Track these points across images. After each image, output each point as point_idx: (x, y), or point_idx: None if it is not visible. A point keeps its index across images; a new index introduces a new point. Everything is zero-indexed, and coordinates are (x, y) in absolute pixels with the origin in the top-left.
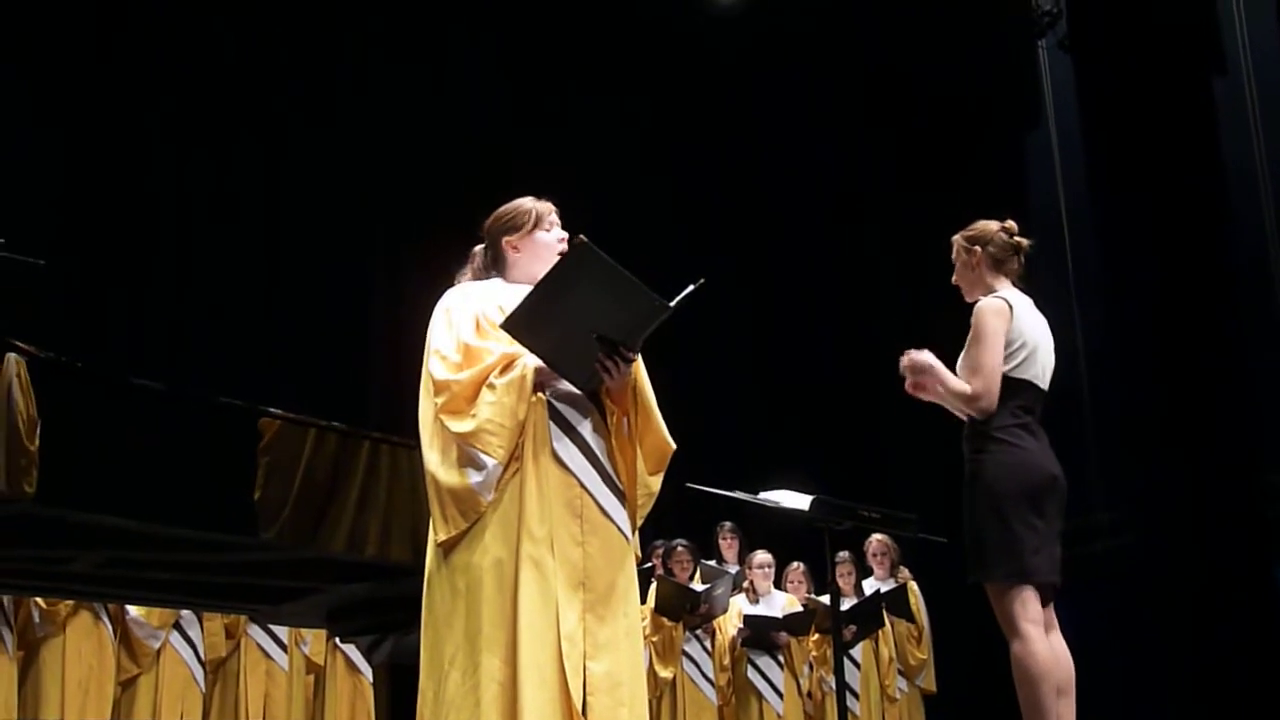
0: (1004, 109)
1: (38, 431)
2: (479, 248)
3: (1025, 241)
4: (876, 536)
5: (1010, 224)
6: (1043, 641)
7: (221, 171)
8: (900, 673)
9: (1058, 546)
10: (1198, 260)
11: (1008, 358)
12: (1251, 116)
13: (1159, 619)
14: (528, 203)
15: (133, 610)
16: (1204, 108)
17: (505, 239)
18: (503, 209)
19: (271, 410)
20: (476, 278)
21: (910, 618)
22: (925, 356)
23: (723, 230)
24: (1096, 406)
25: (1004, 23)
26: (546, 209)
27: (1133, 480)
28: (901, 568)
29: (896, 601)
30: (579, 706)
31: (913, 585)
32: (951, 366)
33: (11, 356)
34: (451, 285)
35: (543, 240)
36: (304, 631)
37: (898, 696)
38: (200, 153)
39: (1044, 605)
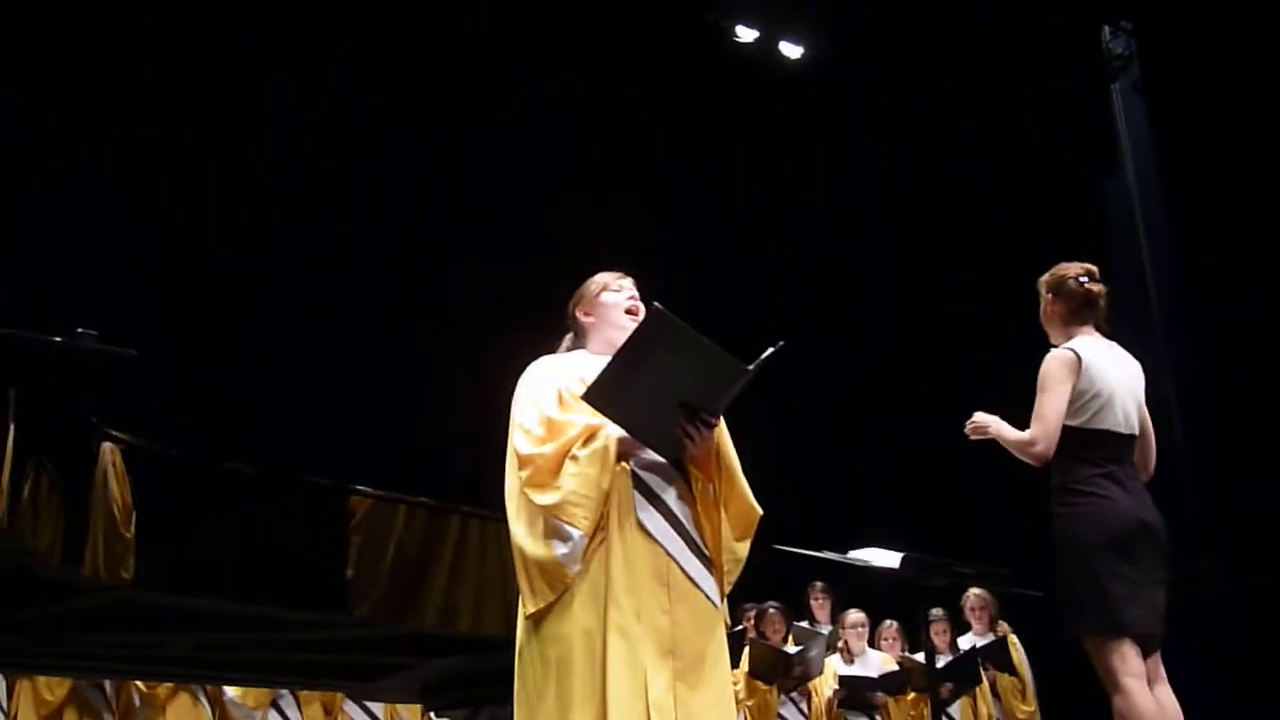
0: (1080, 156)
1: (133, 519)
2: (568, 335)
3: (1097, 289)
4: (974, 591)
5: (1088, 268)
6: (1144, 695)
7: (306, 252)
8: None
9: (1159, 595)
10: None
11: (1081, 409)
12: None
13: (1270, 667)
14: (597, 276)
15: (230, 691)
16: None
17: (577, 310)
18: (579, 288)
19: (361, 488)
20: (565, 349)
21: (1013, 671)
22: (983, 419)
23: (801, 289)
24: (1191, 452)
25: (1076, 67)
26: (613, 275)
27: (1237, 525)
28: (1001, 622)
29: (997, 655)
30: None
31: (1013, 638)
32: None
33: (107, 446)
34: (541, 355)
35: (609, 301)
36: (400, 707)
37: None
38: (285, 234)
39: (1147, 656)
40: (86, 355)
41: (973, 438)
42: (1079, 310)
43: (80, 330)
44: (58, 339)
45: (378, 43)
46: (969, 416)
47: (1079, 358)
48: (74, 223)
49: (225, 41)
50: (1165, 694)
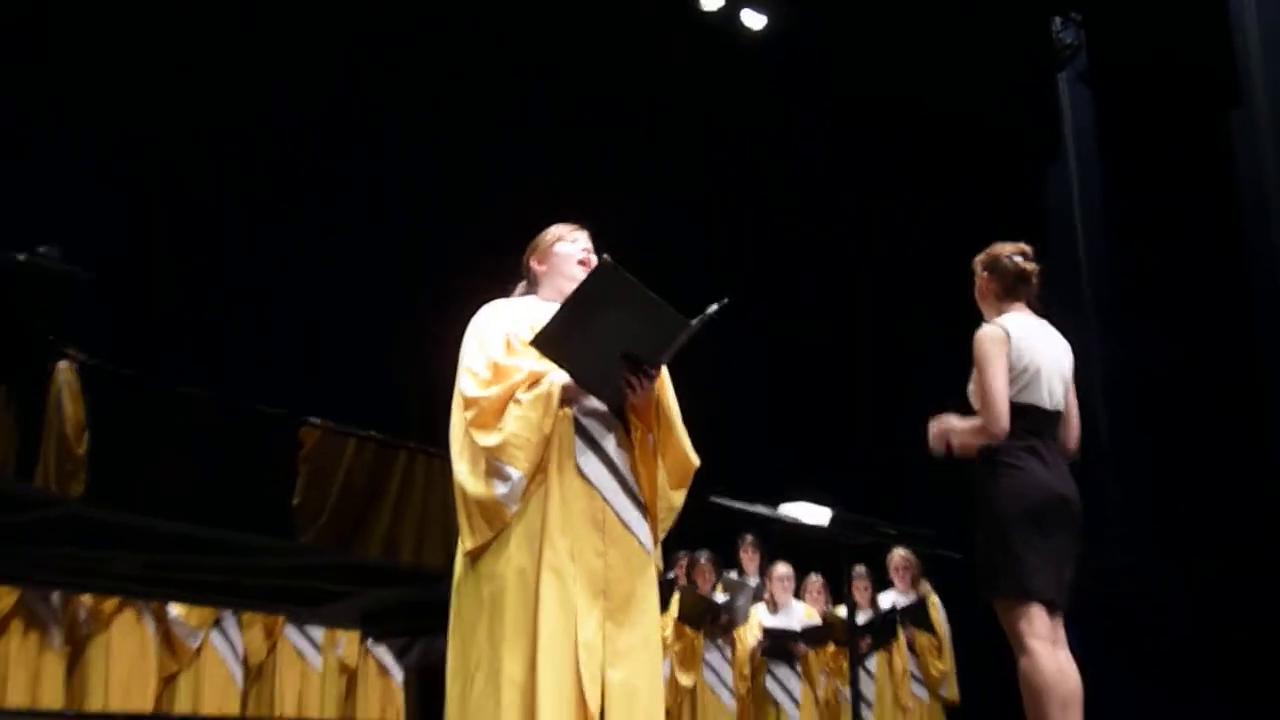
0: (1024, 140)
1: (86, 436)
2: (521, 283)
3: (1030, 267)
4: (899, 551)
5: (1024, 247)
6: (1049, 657)
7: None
8: (922, 683)
9: (1067, 566)
10: (1215, 291)
11: (1011, 382)
12: (1267, 147)
13: (1174, 641)
14: (553, 227)
15: (174, 610)
16: (1220, 140)
17: (531, 258)
18: (535, 237)
19: (312, 420)
20: (519, 294)
21: (931, 630)
22: (940, 424)
23: (747, 253)
24: (1115, 433)
25: (1025, 54)
26: (568, 228)
27: (1151, 503)
28: (923, 581)
29: (917, 615)
30: (596, 713)
31: (934, 599)
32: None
33: (63, 364)
34: (490, 300)
35: (562, 251)
36: (338, 634)
37: (912, 706)
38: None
39: (1052, 620)
40: (45, 272)
41: (936, 445)
42: (1012, 287)
43: (42, 248)
44: (19, 255)
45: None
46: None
47: (1008, 333)
48: (70, 220)
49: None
50: (1066, 658)
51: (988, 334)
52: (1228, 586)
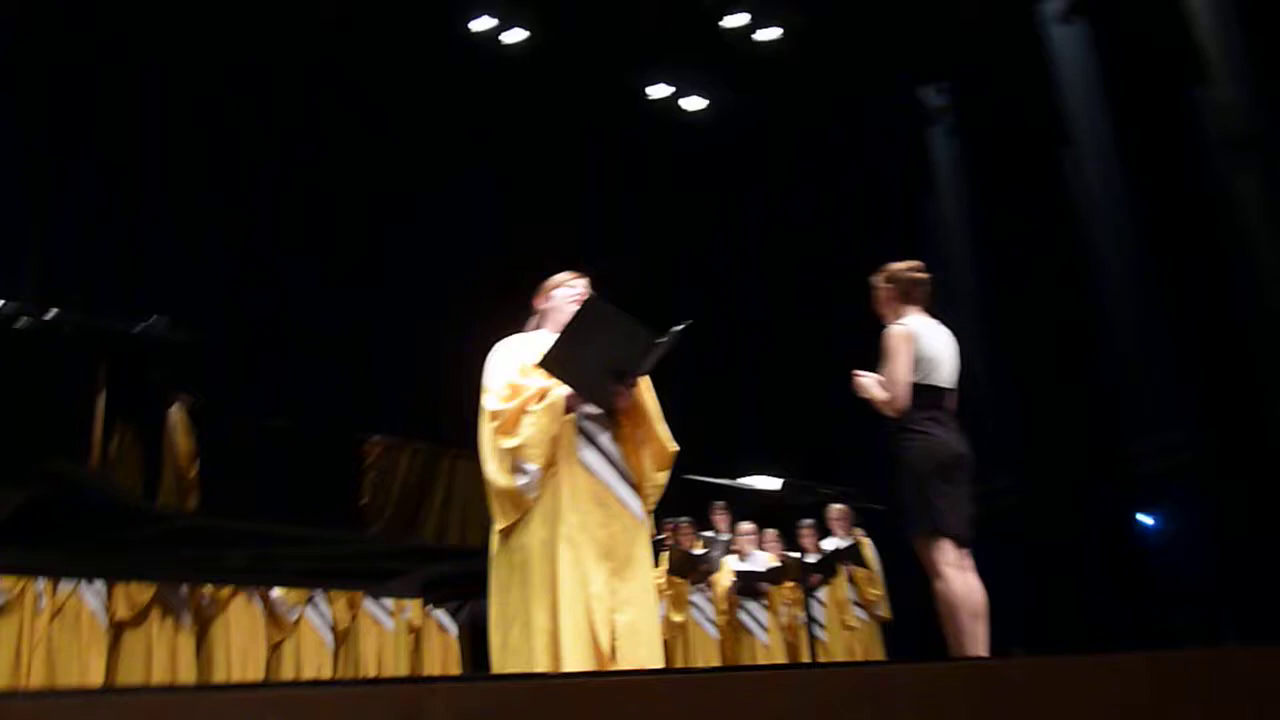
0: (907, 181)
1: (197, 462)
2: (533, 317)
3: (924, 276)
4: (836, 505)
5: (913, 263)
6: (958, 579)
7: (334, 257)
8: (860, 607)
9: (968, 506)
10: (1058, 289)
11: (916, 370)
12: (1090, 174)
13: (1051, 557)
14: (558, 274)
15: (275, 592)
16: (1055, 171)
17: (537, 299)
18: (545, 281)
19: (374, 436)
20: (530, 328)
21: (865, 565)
22: (864, 381)
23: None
24: (993, 402)
25: (905, 114)
26: (567, 275)
27: (1024, 454)
28: (856, 528)
29: (854, 554)
30: (607, 650)
31: (865, 541)
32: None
33: (174, 407)
34: (504, 337)
35: (560, 295)
36: (404, 602)
37: (856, 625)
38: (319, 243)
39: (959, 551)
40: (157, 338)
41: (860, 394)
42: (910, 294)
43: (155, 317)
44: (136, 327)
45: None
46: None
47: (913, 332)
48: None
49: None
50: (971, 579)
51: (897, 332)
52: (1092, 513)
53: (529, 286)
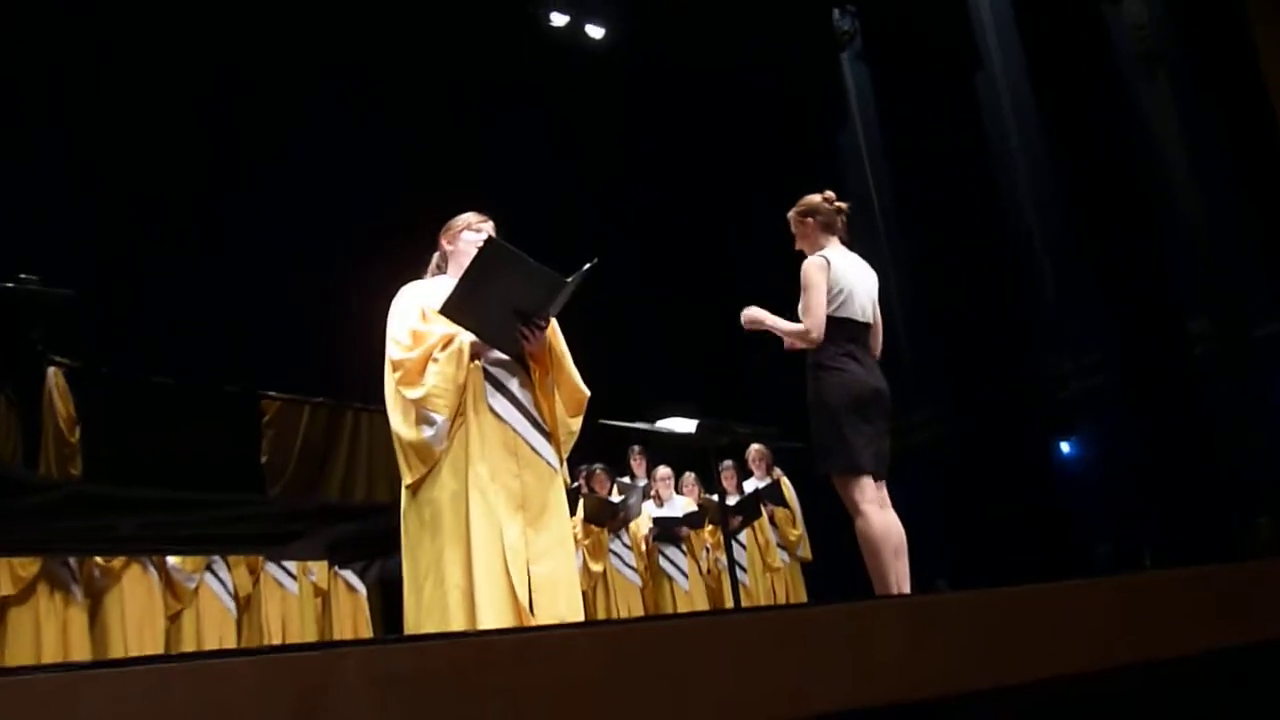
0: (819, 110)
1: (77, 427)
2: (436, 253)
3: (844, 205)
4: (754, 446)
5: (829, 194)
6: (878, 516)
7: (219, 203)
8: (781, 548)
9: (885, 443)
10: (972, 217)
11: (831, 300)
12: (1003, 100)
13: (970, 490)
14: (466, 214)
15: (171, 560)
16: (969, 98)
17: (443, 238)
18: (450, 220)
19: (270, 393)
20: (434, 274)
21: (785, 505)
22: (755, 313)
23: (619, 218)
24: (911, 335)
25: (815, 40)
26: (476, 217)
27: (942, 386)
28: (775, 468)
29: (773, 495)
30: (525, 603)
31: (785, 481)
32: (793, 313)
33: (52, 369)
34: (407, 283)
35: (468, 239)
36: (310, 563)
37: (780, 567)
38: (201, 189)
39: (878, 487)
40: (30, 296)
41: (747, 329)
42: (828, 225)
43: (23, 276)
44: (7, 284)
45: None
46: (750, 302)
47: (829, 262)
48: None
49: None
50: (891, 516)
51: (813, 263)
52: (1009, 442)
53: (432, 228)
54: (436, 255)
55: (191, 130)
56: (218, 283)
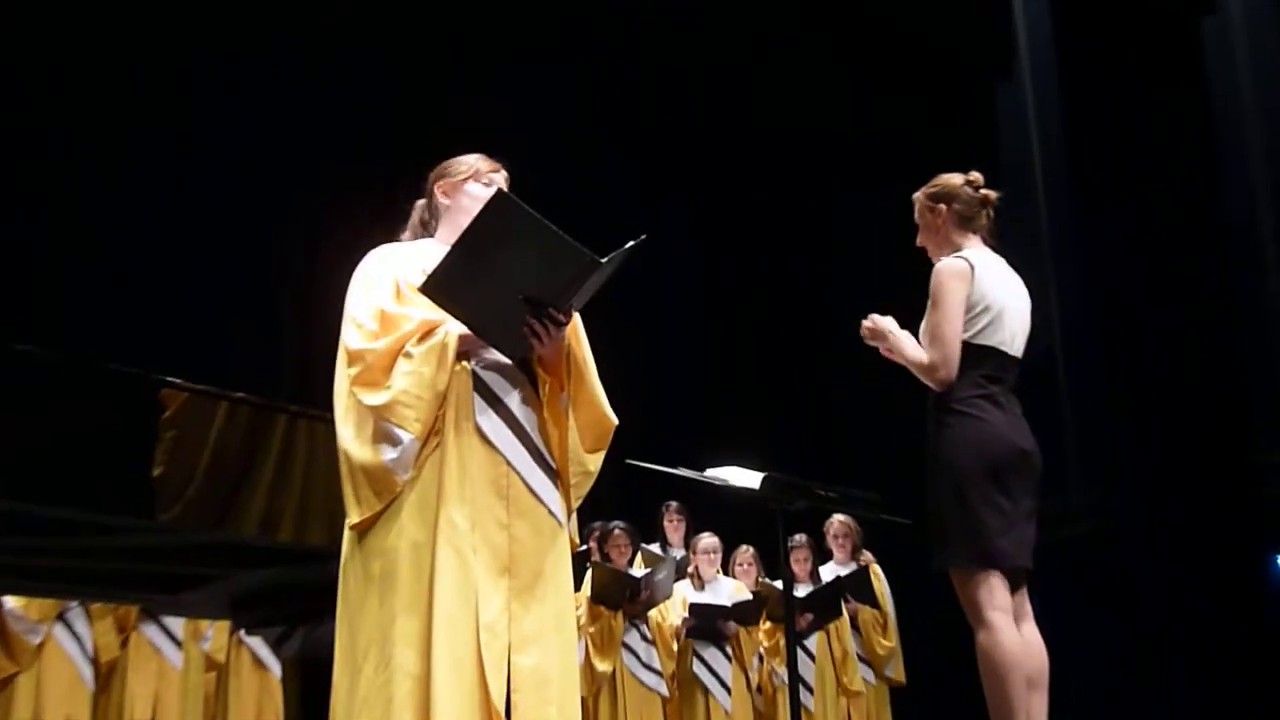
0: (974, 57)
1: None
2: (421, 201)
3: (993, 194)
4: (838, 518)
5: (975, 176)
6: (1010, 630)
7: (122, 129)
8: (865, 663)
9: (1030, 528)
10: (1183, 219)
11: (969, 322)
12: (1241, 57)
13: (1145, 607)
14: (472, 157)
15: (9, 602)
16: (1191, 51)
17: (437, 184)
18: (447, 160)
19: (174, 380)
20: (414, 235)
21: (875, 603)
22: (885, 322)
23: (671, 186)
24: (1074, 377)
25: None
26: (489, 165)
27: (1114, 458)
28: (864, 551)
29: (859, 587)
30: (500, 706)
31: (876, 569)
32: (915, 333)
33: None
34: (377, 244)
35: (474, 192)
36: (203, 625)
37: (860, 690)
38: (101, 112)
39: (1014, 591)
40: None
41: (869, 342)
42: (967, 217)
43: None
44: None
45: None
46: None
47: (972, 267)
48: None
49: None
50: (1031, 631)
51: (950, 268)
52: (1203, 547)
53: (413, 177)
54: (421, 207)
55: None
56: (131, 230)
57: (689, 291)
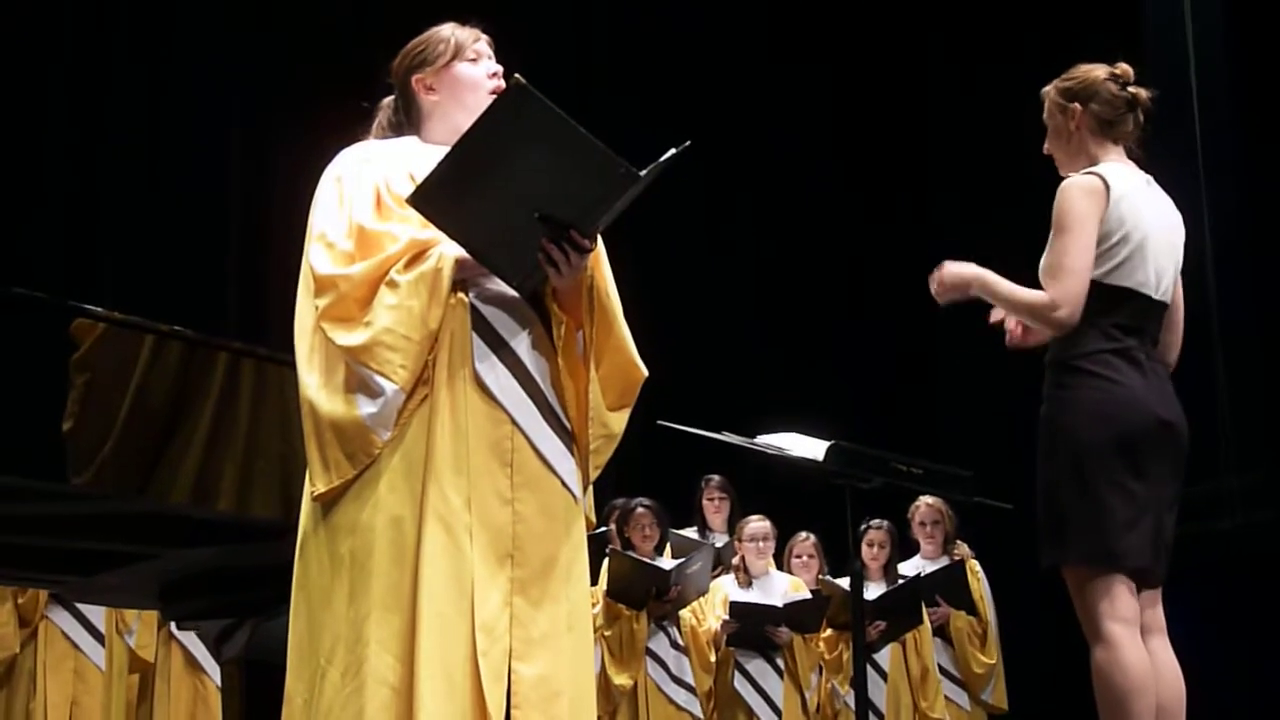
0: None
1: None
2: (388, 99)
3: (1144, 93)
4: (926, 500)
5: (1124, 68)
6: (1135, 648)
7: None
8: (956, 682)
9: (1169, 521)
10: None
11: (1102, 256)
12: None
13: None
14: (445, 29)
15: None
16: None
17: (415, 78)
18: (413, 41)
19: (90, 308)
20: (380, 138)
21: (971, 609)
22: (961, 271)
23: (718, 97)
24: (1231, 330)
25: None
26: (470, 35)
27: (1277, 433)
28: (960, 543)
29: (951, 587)
30: None
31: (974, 565)
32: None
33: None
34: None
35: (466, 75)
36: (128, 616)
37: (944, 717)
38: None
39: (1143, 599)
40: None
41: (941, 300)
42: (1109, 122)
43: None
44: None
45: None
46: (926, 274)
47: (1107, 186)
48: None
49: None
50: (1162, 648)
51: (1080, 185)
52: None
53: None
54: (389, 106)
55: None
56: (33, 136)
57: (743, 219)
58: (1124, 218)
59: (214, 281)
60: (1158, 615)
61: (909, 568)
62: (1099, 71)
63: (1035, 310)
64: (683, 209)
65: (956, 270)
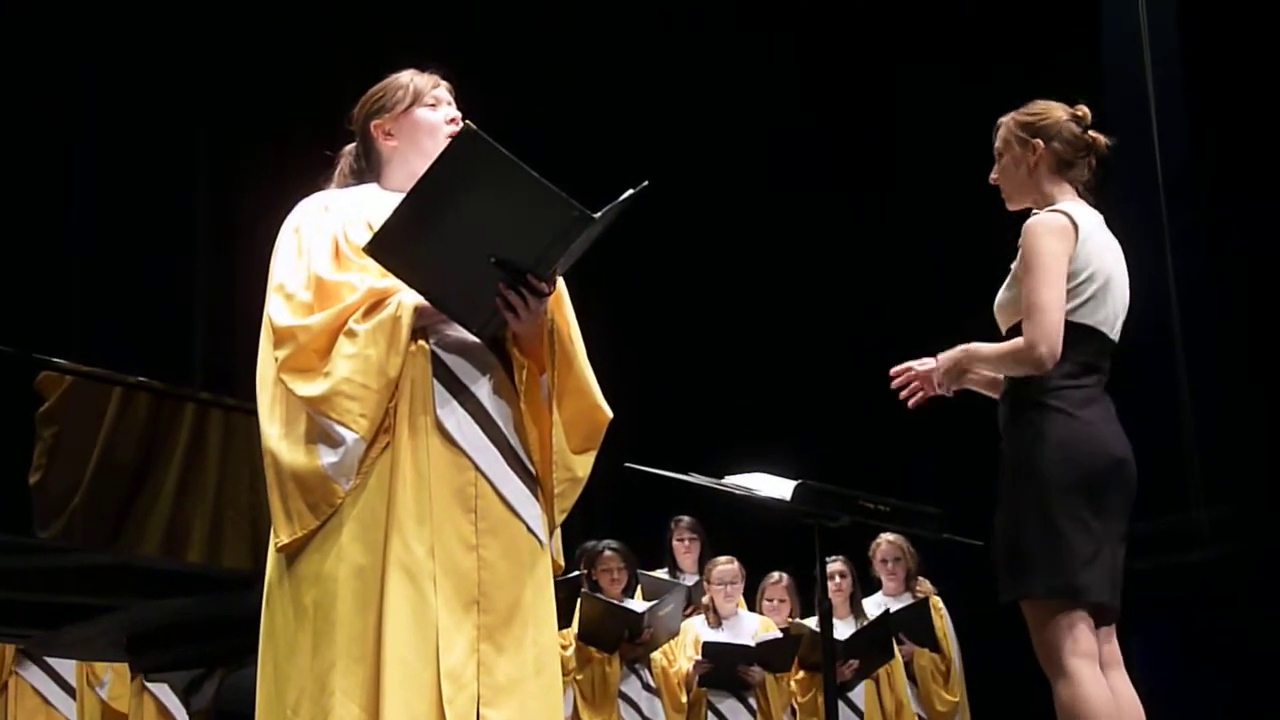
0: None
1: None
2: (350, 146)
3: (1103, 139)
4: (887, 537)
5: (1083, 109)
6: (1098, 682)
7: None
8: (923, 718)
9: (1120, 555)
10: None
11: (1070, 294)
12: None
13: (1273, 653)
14: (404, 76)
15: None
16: None
17: (374, 124)
18: (373, 88)
19: (57, 361)
20: (342, 185)
21: (935, 646)
22: (959, 356)
23: (674, 131)
24: (1194, 367)
25: None
26: (429, 81)
27: (1241, 466)
28: (921, 580)
29: (915, 624)
30: None
31: (936, 602)
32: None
33: None
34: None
35: (424, 121)
36: (99, 669)
37: None
38: None
39: (1104, 632)
40: None
41: (950, 391)
42: (1073, 165)
43: None
44: None
45: None
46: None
47: (1075, 225)
48: None
49: None
50: (1122, 682)
51: (1048, 224)
52: None
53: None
54: (350, 154)
55: None
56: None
57: (709, 256)
58: (1090, 257)
59: (180, 330)
60: (1114, 650)
61: (872, 604)
62: (1059, 111)
63: (1018, 356)
64: (646, 248)
65: (946, 358)
